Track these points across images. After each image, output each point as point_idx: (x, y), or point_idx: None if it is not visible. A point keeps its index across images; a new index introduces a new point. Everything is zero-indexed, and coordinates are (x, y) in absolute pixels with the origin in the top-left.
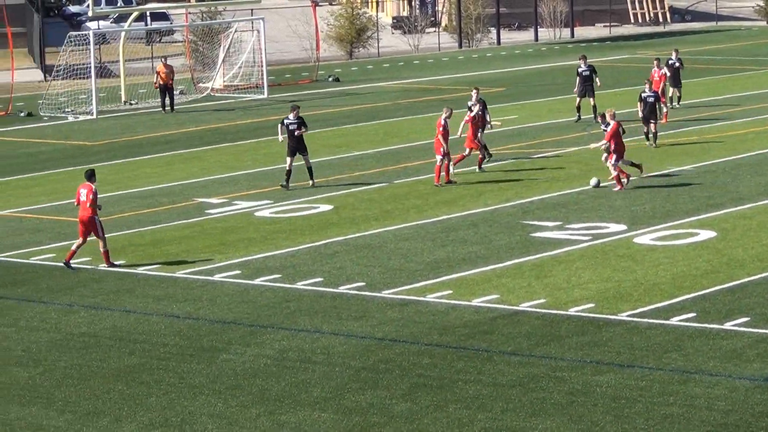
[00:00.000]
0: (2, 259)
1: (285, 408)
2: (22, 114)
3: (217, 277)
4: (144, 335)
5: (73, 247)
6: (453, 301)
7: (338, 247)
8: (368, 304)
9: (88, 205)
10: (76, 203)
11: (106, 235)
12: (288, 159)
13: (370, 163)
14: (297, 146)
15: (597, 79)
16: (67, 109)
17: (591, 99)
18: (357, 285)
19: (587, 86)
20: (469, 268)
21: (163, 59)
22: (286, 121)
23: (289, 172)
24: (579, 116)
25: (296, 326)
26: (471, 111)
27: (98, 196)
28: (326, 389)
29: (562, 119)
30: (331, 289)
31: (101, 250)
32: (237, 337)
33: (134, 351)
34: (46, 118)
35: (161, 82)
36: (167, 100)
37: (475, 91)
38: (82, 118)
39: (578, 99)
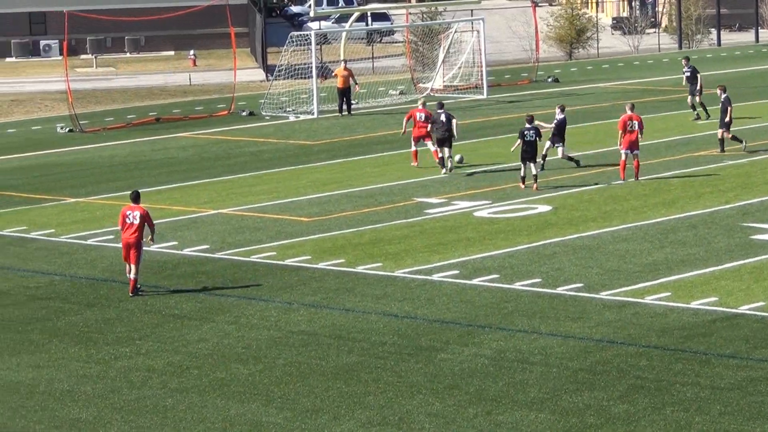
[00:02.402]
0: (224, 257)
1: (502, 408)
2: (244, 113)
3: (435, 277)
4: (362, 334)
5: (132, 277)
6: (671, 303)
7: (557, 247)
8: (586, 305)
9: (145, 227)
10: (120, 226)
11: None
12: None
13: (589, 163)
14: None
15: (700, 80)
16: (288, 109)
17: (697, 97)
18: (575, 286)
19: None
20: (687, 270)
21: (344, 62)
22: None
23: (441, 159)
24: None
25: (514, 327)
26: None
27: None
28: (543, 390)
29: None
30: (549, 290)
31: (133, 276)
32: (455, 336)
33: (353, 349)
34: (267, 118)
35: (339, 86)
36: (344, 104)
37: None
38: (302, 117)
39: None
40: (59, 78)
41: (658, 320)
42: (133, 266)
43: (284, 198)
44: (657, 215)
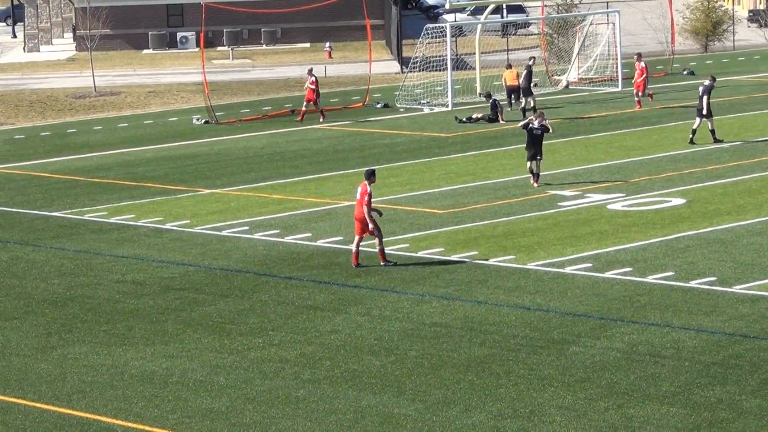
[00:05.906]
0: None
1: (633, 402)
2: (378, 105)
3: (568, 270)
4: (495, 326)
5: (354, 249)
6: None
7: (690, 241)
8: (719, 299)
9: (363, 206)
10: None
11: (383, 236)
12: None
13: (724, 156)
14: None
15: None
16: (422, 101)
17: None
18: (708, 280)
19: None
20: None
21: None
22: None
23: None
24: None
25: (646, 320)
26: None
27: (372, 197)
28: (675, 384)
29: None
30: (682, 284)
31: (377, 248)
32: (587, 329)
33: (485, 342)
34: (402, 110)
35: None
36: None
37: None
38: (437, 109)
39: None
40: (196, 70)
41: None
42: (374, 237)
43: (418, 190)
44: None
